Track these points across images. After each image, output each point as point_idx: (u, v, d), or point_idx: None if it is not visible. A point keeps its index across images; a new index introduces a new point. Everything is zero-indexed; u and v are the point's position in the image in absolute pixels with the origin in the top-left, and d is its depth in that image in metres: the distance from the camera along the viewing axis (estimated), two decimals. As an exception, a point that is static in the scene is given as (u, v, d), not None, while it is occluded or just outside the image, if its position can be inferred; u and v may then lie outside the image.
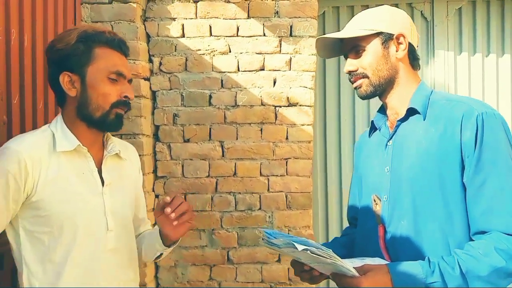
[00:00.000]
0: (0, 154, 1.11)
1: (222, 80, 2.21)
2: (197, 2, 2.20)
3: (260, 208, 2.22)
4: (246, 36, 2.20)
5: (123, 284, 1.26)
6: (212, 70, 2.21)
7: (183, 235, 1.26)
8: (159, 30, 2.19)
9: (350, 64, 1.28)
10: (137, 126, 2.07)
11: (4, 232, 1.15)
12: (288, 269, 2.22)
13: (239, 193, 2.22)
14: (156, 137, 2.25)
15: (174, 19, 2.19)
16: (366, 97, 1.29)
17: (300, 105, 2.22)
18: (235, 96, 2.21)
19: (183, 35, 2.20)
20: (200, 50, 2.19)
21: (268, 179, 2.22)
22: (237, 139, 2.22)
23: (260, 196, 2.22)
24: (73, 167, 1.18)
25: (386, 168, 1.26)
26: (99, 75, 1.18)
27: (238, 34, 2.20)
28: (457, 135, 1.12)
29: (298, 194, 2.22)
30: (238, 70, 2.21)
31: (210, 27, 2.20)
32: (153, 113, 2.23)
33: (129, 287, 1.28)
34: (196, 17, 2.19)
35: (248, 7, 2.20)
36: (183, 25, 2.19)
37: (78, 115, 1.20)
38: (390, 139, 1.28)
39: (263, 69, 2.21)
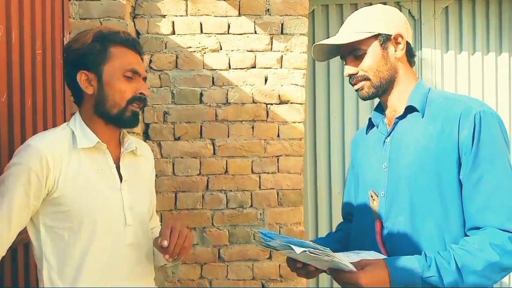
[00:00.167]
0: (21, 152, 1.14)
1: (213, 78, 2.20)
2: (188, -1, 2.19)
3: (251, 206, 2.22)
4: (237, 34, 2.19)
5: (141, 278, 1.29)
6: (203, 68, 2.19)
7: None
8: (149, 27, 2.16)
9: (350, 67, 1.28)
10: (127, 124, 2.04)
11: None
12: (280, 265, 2.23)
13: (231, 191, 2.21)
14: (146, 135, 2.23)
15: (164, 16, 2.17)
16: (368, 98, 1.30)
17: (291, 103, 2.22)
18: (227, 94, 2.20)
19: (173, 32, 2.18)
20: (190, 47, 2.18)
21: (259, 176, 2.22)
22: (228, 136, 2.21)
23: (251, 193, 2.22)
24: (92, 163, 1.22)
25: (383, 165, 1.27)
26: (115, 73, 1.22)
27: (229, 32, 2.19)
28: (455, 133, 1.13)
29: (289, 191, 2.23)
30: (229, 67, 2.20)
31: (201, 24, 2.18)
32: (143, 111, 2.21)
33: (146, 282, 1.32)
34: (187, 14, 2.17)
35: (239, 4, 2.19)
36: (173, 22, 2.17)
37: (95, 113, 1.24)
38: (388, 136, 1.29)
39: (254, 67, 2.21)
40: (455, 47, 2.72)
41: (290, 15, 2.21)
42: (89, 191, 1.18)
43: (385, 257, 1.16)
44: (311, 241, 1.42)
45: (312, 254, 1.03)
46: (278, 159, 2.23)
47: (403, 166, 1.22)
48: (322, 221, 2.62)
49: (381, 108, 1.38)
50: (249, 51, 2.20)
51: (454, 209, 1.14)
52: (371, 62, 1.25)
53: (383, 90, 1.28)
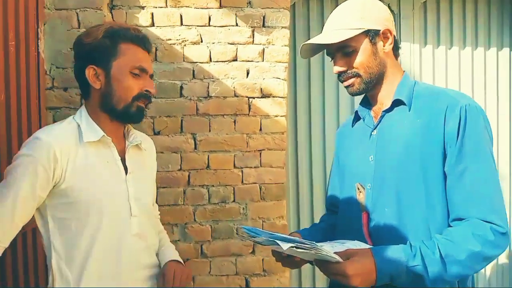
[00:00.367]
0: (29, 144, 1.17)
1: (193, 71, 2.15)
2: (167, -10, 2.13)
3: (234, 201, 2.20)
4: (218, 26, 2.15)
5: (147, 268, 1.33)
6: (183, 61, 2.15)
7: None
8: (127, 18, 2.10)
9: (340, 65, 1.27)
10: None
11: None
12: (263, 260, 2.22)
13: (213, 185, 2.18)
14: (125, 130, 2.17)
15: (143, 7, 2.11)
16: (358, 94, 1.31)
17: (273, 96, 2.20)
18: (208, 87, 2.16)
19: (152, 24, 2.12)
20: (170, 39, 2.13)
21: (242, 171, 2.19)
22: (210, 131, 2.17)
23: (234, 188, 2.19)
24: (98, 156, 1.25)
25: (370, 157, 1.28)
26: (123, 69, 1.25)
27: (210, 24, 2.15)
28: (440, 126, 1.15)
29: (272, 185, 2.21)
30: (210, 60, 2.16)
31: (181, 16, 2.14)
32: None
33: (152, 271, 1.35)
34: (166, 5, 2.12)
35: (220, -4, 2.16)
36: (152, 14, 2.12)
37: (101, 107, 1.28)
38: (374, 129, 1.30)
39: (235, 60, 2.17)
40: (433, 41, 2.76)
41: (272, 7, 2.18)
42: (95, 182, 1.22)
43: (371, 246, 1.16)
44: (295, 231, 1.43)
45: (298, 250, 1.03)
46: (260, 153, 2.20)
47: (390, 158, 1.23)
48: (303, 214, 2.62)
49: (367, 101, 1.38)
50: (231, 43, 2.17)
51: (439, 201, 1.16)
52: (361, 59, 1.24)
53: (373, 85, 1.28)
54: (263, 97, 2.20)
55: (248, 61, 2.18)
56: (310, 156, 2.63)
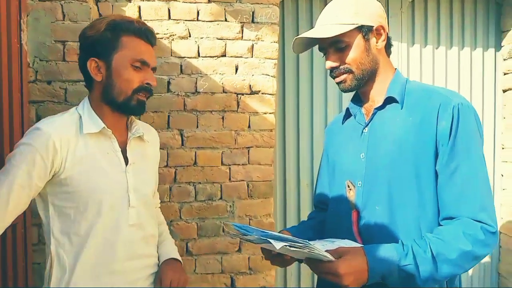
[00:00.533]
0: (30, 133, 1.20)
1: (181, 66, 2.12)
2: (155, -17, 2.09)
3: (221, 198, 2.17)
4: (207, 21, 2.12)
5: (143, 258, 1.35)
6: (171, 55, 2.11)
7: None
8: (113, 11, 2.05)
9: (333, 60, 1.26)
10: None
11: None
12: (249, 258, 2.20)
13: (199, 183, 2.15)
14: (110, 125, 2.12)
15: (129, 0, 2.06)
16: (349, 90, 1.29)
17: (262, 93, 2.18)
18: (196, 83, 2.13)
19: (139, 18, 2.07)
20: (158, 34, 2.08)
21: (229, 168, 2.17)
22: (197, 127, 2.14)
23: (221, 185, 2.17)
24: (98, 147, 1.28)
25: (361, 155, 1.27)
26: (124, 62, 1.27)
27: (199, 19, 2.12)
28: (433, 124, 1.15)
29: (259, 183, 2.19)
30: (199, 55, 2.13)
31: (169, 10, 2.10)
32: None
33: (148, 261, 1.39)
34: (154, -1, 2.08)
35: (209, -10, 2.12)
36: (139, 7, 2.07)
37: (103, 99, 1.30)
38: (366, 127, 1.29)
39: (224, 55, 2.14)
40: (420, 41, 2.77)
41: (261, 3, 2.16)
42: (95, 173, 1.25)
43: (362, 245, 1.15)
44: (284, 229, 1.41)
45: (291, 248, 1.01)
46: (248, 151, 2.18)
47: (382, 156, 1.23)
48: (290, 212, 2.61)
49: (358, 99, 1.37)
50: (219, 39, 2.13)
51: (430, 199, 1.16)
52: (354, 55, 1.23)
53: (364, 82, 1.27)
54: (251, 94, 2.17)
55: (237, 57, 2.16)
56: (297, 153, 2.61)
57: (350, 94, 1.38)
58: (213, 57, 2.14)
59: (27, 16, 1.88)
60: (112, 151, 1.30)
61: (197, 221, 2.15)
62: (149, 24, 2.03)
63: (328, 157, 1.47)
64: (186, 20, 2.11)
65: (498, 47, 2.88)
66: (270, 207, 2.21)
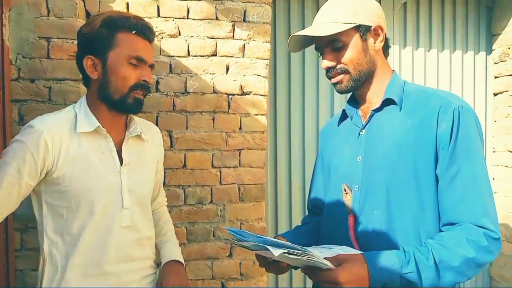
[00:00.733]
0: (23, 131, 1.20)
1: (171, 65, 2.06)
2: (144, -21, 2.03)
3: (211, 202, 2.11)
4: (197, 19, 2.06)
5: (137, 260, 1.33)
6: (160, 54, 2.05)
7: None
8: (100, 8, 1.98)
9: (329, 60, 1.23)
10: (76, 113, 1.86)
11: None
12: (240, 263, 2.14)
13: (189, 186, 2.09)
14: (96, 126, 2.05)
15: (117, -4, 2.00)
16: (346, 92, 1.26)
17: (254, 94, 2.13)
18: (185, 83, 2.07)
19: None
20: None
21: (220, 171, 2.11)
22: (187, 128, 2.08)
23: (211, 188, 2.11)
24: (93, 146, 1.26)
25: (358, 158, 1.24)
26: (120, 59, 1.25)
27: (189, 17, 2.06)
28: (433, 127, 1.12)
29: (251, 186, 2.14)
30: (189, 54, 2.07)
31: (158, 7, 2.04)
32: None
33: (142, 264, 1.36)
34: (143, -5, 2.02)
35: (200, -12, 2.07)
36: (127, 4, 2.01)
37: (99, 97, 1.28)
38: (363, 129, 1.26)
39: (215, 55, 2.09)
40: (412, 43, 2.76)
41: (253, 2, 2.11)
42: (88, 172, 1.23)
43: (362, 252, 1.11)
44: (278, 235, 1.37)
45: (289, 256, 0.97)
46: (240, 153, 2.13)
47: (379, 159, 1.19)
48: (281, 216, 2.56)
49: (355, 100, 1.34)
50: (210, 38, 2.08)
51: (430, 204, 1.13)
52: (351, 55, 1.20)
53: (361, 83, 1.24)
54: (243, 95, 2.13)
55: (228, 56, 2.11)
56: (289, 155, 2.57)
57: (343, 96, 1.35)
58: (203, 56, 2.08)
59: (9, 10, 1.80)
60: (107, 151, 1.28)
61: (187, 226, 2.09)
62: (137, 21, 1.99)
63: (323, 160, 1.43)
64: (175, 18, 2.05)
65: (489, 50, 2.89)
66: (262, 211, 2.16)
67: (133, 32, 1.26)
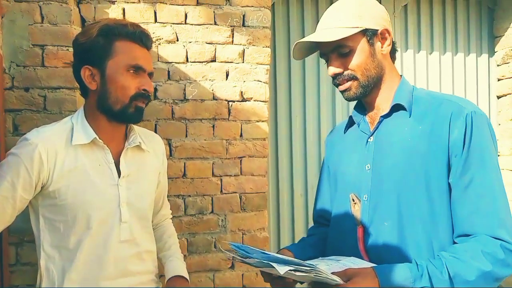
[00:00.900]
0: (19, 144, 1.19)
1: (169, 72, 2.01)
2: (140, -16, 1.98)
3: (212, 212, 2.06)
4: (196, 24, 2.02)
5: (137, 275, 1.30)
6: (158, 60, 2.00)
7: None
8: (96, 14, 1.93)
9: (336, 66, 1.18)
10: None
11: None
12: (242, 275, 2.08)
13: (189, 195, 2.03)
14: (93, 135, 2.00)
15: (113, 2, 1.95)
16: (354, 99, 1.22)
17: (254, 100, 2.08)
18: (184, 89, 2.02)
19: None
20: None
21: (221, 179, 2.06)
22: (186, 136, 2.03)
23: (212, 198, 2.05)
24: (90, 159, 1.23)
25: (366, 166, 1.19)
26: (119, 68, 1.21)
27: (187, 22, 2.01)
28: (445, 134, 1.08)
29: (253, 195, 2.09)
30: (187, 60, 2.02)
31: (155, 12, 1.99)
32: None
33: (143, 278, 1.33)
34: (139, 1, 1.97)
35: (197, -8, 2.03)
36: (124, 10, 1.96)
37: (98, 108, 1.25)
38: (371, 136, 1.22)
39: (214, 61, 2.04)
40: (414, 46, 2.73)
41: (252, 6, 2.07)
42: (84, 185, 1.21)
43: (372, 264, 1.07)
44: (283, 248, 1.31)
45: (296, 273, 0.93)
46: (241, 161, 2.08)
47: (389, 167, 1.15)
48: (284, 224, 2.51)
49: (361, 106, 1.29)
50: (209, 43, 2.03)
51: (442, 213, 1.08)
52: (359, 60, 1.16)
53: (370, 89, 1.20)
54: (243, 101, 2.08)
55: (228, 62, 2.06)
56: (291, 163, 2.52)
57: (344, 100, 1.30)
58: (202, 62, 2.03)
59: (2, 17, 1.75)
60: (105, 163, 1.25)
61: (187, 237, 2.04)
62: (134, 27, 1.94)
63: (329, 169, 1.38)
64: (173, 23, 2.00)
65: (491, 52, 2.85)
66: (264, 221, 2.11)
67: (131, 40, 1.23)
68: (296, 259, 0.98)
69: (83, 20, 1.94)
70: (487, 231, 1.02)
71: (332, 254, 1.23)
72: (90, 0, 1.93)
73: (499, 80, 2.81)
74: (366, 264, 1.08)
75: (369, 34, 1.16)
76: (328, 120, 2.55)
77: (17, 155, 1.16)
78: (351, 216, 1.21)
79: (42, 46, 1.81)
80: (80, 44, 1.24)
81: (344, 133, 1.33)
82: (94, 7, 1.93)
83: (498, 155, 2.82)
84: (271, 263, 0.93)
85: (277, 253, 1.30)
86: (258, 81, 2.09)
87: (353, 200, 1.21)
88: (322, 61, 1.37)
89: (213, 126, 2.05)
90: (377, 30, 1.16)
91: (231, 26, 2.06)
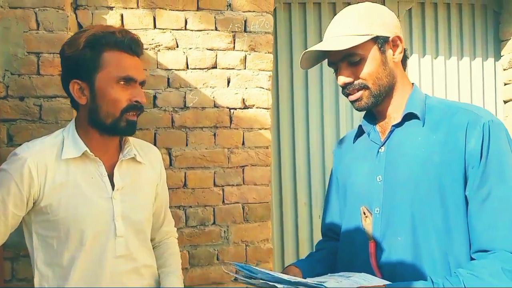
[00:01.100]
0: (9, 159, 1.17)
1: (168, 79, 1.97)
2: (139, -11, 1.94)
3: (214, 223, 2.01)
4: (196, 30, 1.98)
5: None
6: (157, 67, 1.96)
7: None
8: (93, 20, 1.89)
9: (346, 75, 1.14)
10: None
11: None
12: (246, 288, 2.02)
13: (190, 206, 1.99)
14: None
15: (111, 8, 1.91)
16: (365, 109, 1.18)
17: (257, 107, 2.04)
18: (184, 97, 1.98)
19: (122, 27, 1.92)
20: (143, 44, 1.93)
21: (223, 189, 2.02)
22: (187, 145, 1.99)
23: (214, 209, 2.01)
24: (82, 172, 1.20)
25: (378, 177, 1.14)
26: (108, 81, 1.17)
27: (187, 28, 1.97)
28: (461, 143, 1.04)
29: (256, 205, 2.04)
30: (187, 67, 1.98)
31: (154, 18, 1.95)
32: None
33: None
34: (138, 6, 1.93)
35: (198, -3, 1.99)
36: (122, 16, 1.92)
37: (89, 123, 1.22)
38: (382, 146, 1.17)
39: (215, 67, 2.00)
40: (418, 50, 2.69)
41: (254, 11, 2.03)
42: (76, 200, 1.17)
43: (385, 281, 1.03)
44: (291, 265, 1.26)
45: None
46: (243, 170, 2.03)
47: (402, 178, 1.10)
48: (287, 235, 2.46)
49: (372, 115, 1.24)
50: (209, 49, 1.99)
51: (459, 228, 1.03)
52: (370, 69, 1.11)
53: (382, 99, 1.15)
54: (245, 108, 2.04)
55: (229, 68, 2.02)
56: (294, 171, 2.47)
57: (348, 107, 1.25)
58: (203, 69, 1.99)
59: (-4, 25, 1.71)
60: (98, 176, 1.22)
61: (189, 249, 1.99)
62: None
63: (337, 180, 1.33)
64: (173, 29, 1.97)
65: (497, 56, 2.81)
66: (268, 232, 2.06)
67: (120, 49, 1.19)
68: (303, 280, 0.95)
69: (80, 27, 1.89)
70: (506, 246, 0.98)
71: (343, 269, 1.18)
72: (87, 6, 1.89)
73: (505, 84, 2.77)
74: (378, 281, 1.03)
75: (380, 42, 1.12)
76: (332, 127, 2.51)
77: (6, 171, 1.14)
78: (362, 230, 1.16)
79: (38, 54, 1.77)
80: (67, 57, 1.20)
81: (353, 143, 1.29)
82: (92, 13, 1.89)
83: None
84: (276, 284, 0.91)
85: (284, 269, 1.25)
86: (260, 87, 2.04)
87: (364, 213, 1.17)
88: (325, 66, 1.31)
89: (215, 135, 2.01)
90: (389, 37, 1.12)
91: (232, 31, 2.02)
